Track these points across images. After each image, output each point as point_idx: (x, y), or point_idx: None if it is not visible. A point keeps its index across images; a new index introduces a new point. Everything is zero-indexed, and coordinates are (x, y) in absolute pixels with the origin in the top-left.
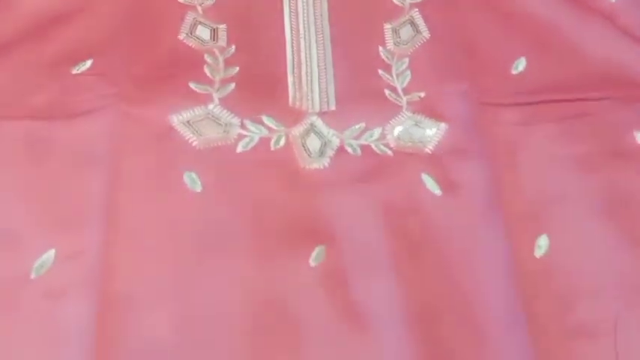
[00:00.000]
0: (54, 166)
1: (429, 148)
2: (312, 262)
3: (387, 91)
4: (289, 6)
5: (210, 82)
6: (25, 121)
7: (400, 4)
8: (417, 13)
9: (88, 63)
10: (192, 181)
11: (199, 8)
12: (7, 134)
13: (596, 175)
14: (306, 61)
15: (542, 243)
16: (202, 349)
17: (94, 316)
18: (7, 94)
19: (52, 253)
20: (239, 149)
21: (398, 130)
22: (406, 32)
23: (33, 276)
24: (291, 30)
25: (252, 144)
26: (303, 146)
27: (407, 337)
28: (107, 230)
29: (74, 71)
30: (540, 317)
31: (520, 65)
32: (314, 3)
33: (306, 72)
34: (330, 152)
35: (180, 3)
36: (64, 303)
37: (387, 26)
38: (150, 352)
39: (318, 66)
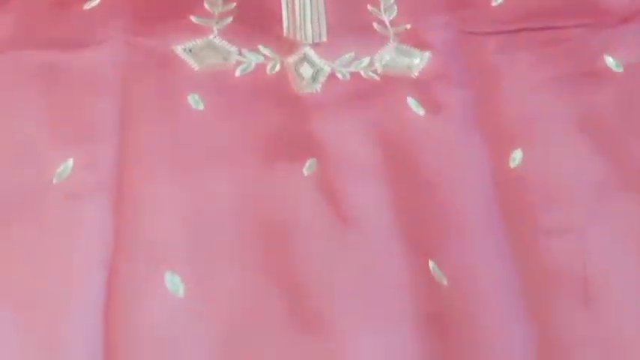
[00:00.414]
0: (68, 89)
1: (414, 74)
2: (305, 172)
3: (375, 24)
4: None
5: (210, 16)
6: (41, 51)
7: None
8: None
9: (97, 0)
10: (196, 102)
11: None
12: (24, 62)
13: (570, 95)
14: (299, 1)
15: (517, 156)
16: (209, 244)
17: (110, 215)
18: (24, 28)
19: (70, 162)
20: (237, 73)
21: (385, 58)
22: None
23: (55, 181)
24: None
25: (249, 69)
26: (297, 73)
27: (393, 234)
28: (120, 144)
29: (85, 7)
30: (515, 219)
31: None
32: None
33: (299, 6)
34: (321, 79)
35: None
36: (83, 204)
37: None
38: (163, 245)
39: (311, 1)
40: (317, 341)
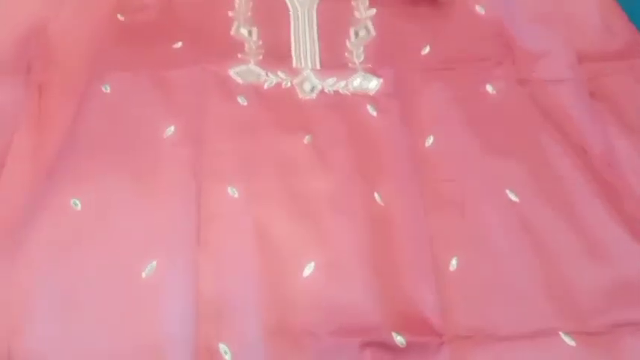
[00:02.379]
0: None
1: (371, 92)
2: (305, 141)
3: (349, 63)
4: (293, 16)
5: (249, 54)
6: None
7: (360, 17)
8: (370, 23)
9: (179, 44)
10: (242, 100)
11: (241, 17)
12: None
13: (464, 105)
14: (303, 45)
15: (430, 140)
16: None
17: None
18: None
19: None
20: (265, 86)
21: (355, 82)
22: (362, 33)
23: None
24: (294, 31)
25: (272, 84)
26: (301, 87)
27: (352, 172)
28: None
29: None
30: (424, 172)
31: (426, 49)
32: (308, 13)
33: (303, 50)
34: (316, 91)
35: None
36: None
37: (352, 29)
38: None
39: (310, 48)
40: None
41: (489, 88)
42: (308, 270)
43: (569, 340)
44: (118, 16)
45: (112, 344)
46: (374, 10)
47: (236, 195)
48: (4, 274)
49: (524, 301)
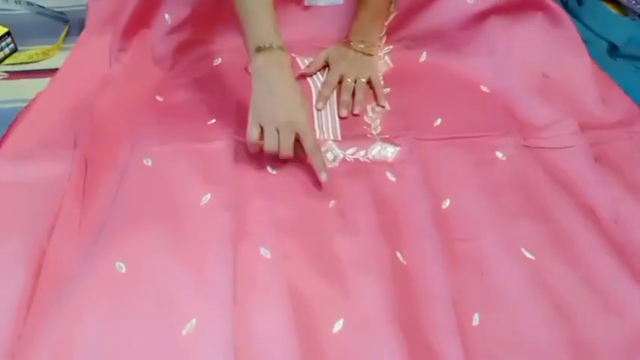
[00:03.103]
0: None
1: (389, 159)
2: (330, 206)
3: (368, 134)
4: (315, 95)
5: None
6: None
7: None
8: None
9: (213, 120)
10: (271, 169)
11: None
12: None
13: (476, 169)
14: (325, 120)
15: (446, 202)
16: None
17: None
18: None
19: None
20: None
21: (374, 151)
22: (379, 108)
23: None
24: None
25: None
26: (325, 156)
27: (378, 232)
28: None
29: (208, 123)
30: (443, 233)
31: (438, 121)
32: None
33: (325, 124)
34: (338, 159)
35: None
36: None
37: (368, 106)
38: None
39: (331, 122)
40: None
41: (499, 154)
42: (337, 326)
43: None
44: (157, 97)
45: None
46: (388, 89)
47: (268, 256)
48: (51, 330)
49: (545, 357)
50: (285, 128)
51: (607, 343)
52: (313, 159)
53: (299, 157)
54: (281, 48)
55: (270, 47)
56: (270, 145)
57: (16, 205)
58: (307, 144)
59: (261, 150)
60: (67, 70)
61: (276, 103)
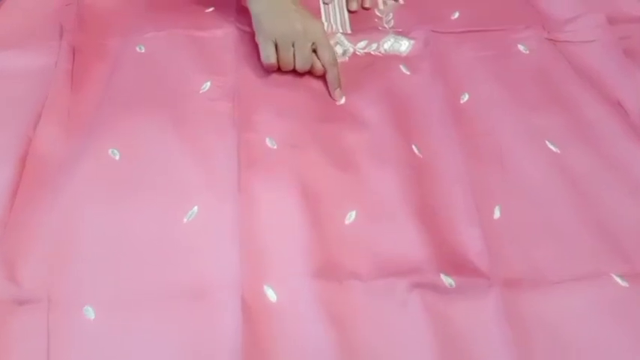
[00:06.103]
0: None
1: (404, 53)
2: (340, 102)
3: (379, 27)
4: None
5: None
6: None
7: None
8: None
9: (211, 8)
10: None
11: None
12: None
13: (494, 63)
14: (332, 12)
15: (465, 96)
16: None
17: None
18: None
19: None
20: None
21: (386, 44)
22: (390, 1)
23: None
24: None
25: None
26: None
27: (392, 127)
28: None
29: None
30: (462, 126)
31: (456, 14)
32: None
33: (332, 16)
34: (348, 54)
35: None
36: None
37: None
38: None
39: (340, 15)
40: None
41: (521, 47)
42: (350, 218)
43: (621, 281)
44: None
45: (157, 286)
46: None
47: (275, 146)
48: (43, 221)
49: (572, 245)
50: (302, 39)
51: (633, 224)
52: (329, 73)
53: (315, 73)
54: None
55: None
56: (286, 60)
57: None
58: (326, 56)
59: (278, 68)
60: None
61: (290, 16)
